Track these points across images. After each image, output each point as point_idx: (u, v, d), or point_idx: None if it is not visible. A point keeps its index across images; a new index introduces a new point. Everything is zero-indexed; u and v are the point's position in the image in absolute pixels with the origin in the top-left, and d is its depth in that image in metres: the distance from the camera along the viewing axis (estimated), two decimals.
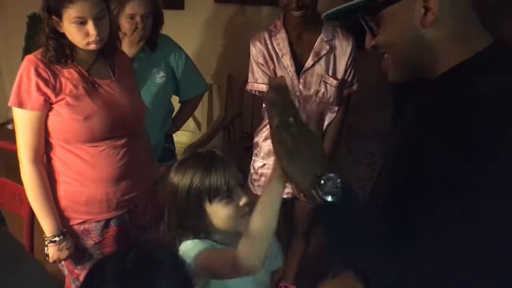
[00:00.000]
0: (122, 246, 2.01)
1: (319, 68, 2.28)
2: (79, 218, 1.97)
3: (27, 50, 4.27)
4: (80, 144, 1.88)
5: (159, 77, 2.55)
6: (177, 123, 2.82)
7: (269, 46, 2.31)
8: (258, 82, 2.36)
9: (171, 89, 2.68)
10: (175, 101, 2.80)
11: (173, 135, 2.83)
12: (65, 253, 1.93)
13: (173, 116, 2.81)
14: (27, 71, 1.80)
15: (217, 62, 3.93)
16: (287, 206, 2.55)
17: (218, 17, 3.85)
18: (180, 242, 1.44)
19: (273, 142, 1.07)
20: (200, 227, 1.43)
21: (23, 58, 4.28)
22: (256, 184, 2.52)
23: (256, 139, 2.55)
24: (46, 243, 1.92)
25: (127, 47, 2.40)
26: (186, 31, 3.61)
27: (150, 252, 1.16)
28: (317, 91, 2.30)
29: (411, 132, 1.11)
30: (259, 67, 2.34)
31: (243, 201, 1.41)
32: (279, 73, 2.31)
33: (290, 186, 2.40)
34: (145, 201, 2.11)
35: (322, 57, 2.27)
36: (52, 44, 1.81)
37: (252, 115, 3.79)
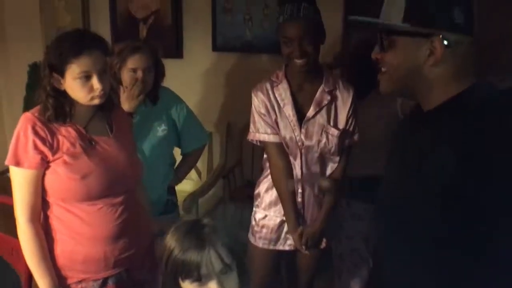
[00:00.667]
0: None
1: (321, 118, 2.27)
2: (77, 277, 1.92)
3: (27, 100, 4.29)
4: (77, 203, 1.85)
5: (161, 130, 2.55)
6: (179, 175, 2.80)
7: (271, 96, 2.31)
8: (259, 132, 2.35)
9: (173, 142, 2.67)
10: (177, 152, 2.78)
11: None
12: None
13: (175, 168, 2.79)
14: (24, 130, 1.78)
15: (217, 110, 3.94)
16: (289, 258, 2.51)
17: (217, 65, 3.88)
18: None
19: None
20: None
21: (24, 107, 4.37)
22: (257, 236, 2.47)
23: (257, 190, 2.52)
24: None
25: (127, 101, 2.40)
26: (185, 79, 3.64)
27: None
28: (319, 141, 2.28)
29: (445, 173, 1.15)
30: (261, 117, 2.33)
31: None
32: (281, 123, 2.30)
33: (292, 238, 2.38)
34: (143, 256, 2.06)
35: (323, 107, 2.27)
36: (51, 102, 1.80)
37: (252, 163, 3.76)
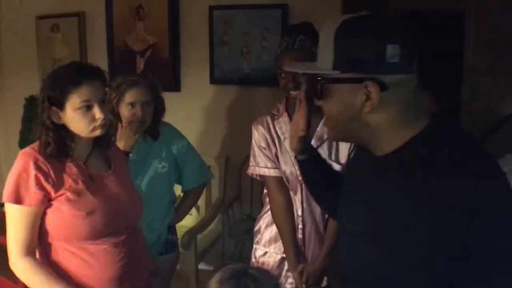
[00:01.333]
0: None
1: (322, 152, 2.23)
2: None
3: (23, 133, 4.25)
4: (81, 243, 1.78)
5: (161, 167, 2.49)
6: (180, 213, 2.72)
7: (272, 129, 2.28)
8: (260, 166, 2.31)
9: (173, 179, 2.61)
10: (177, 189, 2.73)
11: None
12: None
13: (175, 206, 2.72)
14: (25, 166, 1.72)
15: (215, 143, 3.89)
16: None
17: (215, 98, 3.85)
18: None
19: None
20: None
21: (20, 141, 4.31)
22: None
23: (257, 226, 2.46)
24: None
25: (124, 138, 2.35)
26: (182, 113, 3.60)
27: None
28: None
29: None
30: (261, 151, 2.29)
31: None
32: (281, 157, 2.26)
33: (292, 276, 2.32)
34: None
35: (324, 141, 2.23)
36: (52, 136, 1.75)
37: (252, 197, 3.70)
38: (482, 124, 3.60)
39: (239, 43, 3.67)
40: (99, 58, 3.99)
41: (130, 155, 2.36)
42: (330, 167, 1.64)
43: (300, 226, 2.30)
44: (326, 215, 2.32)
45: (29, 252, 1.75)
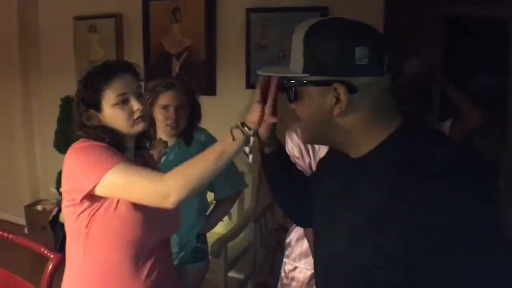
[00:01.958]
0: None
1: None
2: None
3: (59, 133, 4.27)
4: (130, 249, 1.67)
5: None
6: (211, 222, 2.62)
7: None
8: None
9: (206, 187, 2.51)
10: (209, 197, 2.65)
11: None
12: None
13: (207, 214, 2.62)
14: (92, 145, 1.61)
15: None
16: None
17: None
18: None
19: None
20: None
21: (55, 141, 4.31)
22: None
23: (288, 239, 2.37)
24: None
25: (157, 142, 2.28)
26: (217, 117, 3.49)
27: None
28: None
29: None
30: (294, 160, 2.20)
31: None
32: (315, 167, 2.16)
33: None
34: None
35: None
36: (101, 130, 1.65)
37: None
38: None
39: (276, 46, 3.59)
40: (135, 60, 3.85)
41: (162, 159, 2.29)
42: (293, 164, 1.61)
43: None
44: None
45: (161, 174, 1.54)
